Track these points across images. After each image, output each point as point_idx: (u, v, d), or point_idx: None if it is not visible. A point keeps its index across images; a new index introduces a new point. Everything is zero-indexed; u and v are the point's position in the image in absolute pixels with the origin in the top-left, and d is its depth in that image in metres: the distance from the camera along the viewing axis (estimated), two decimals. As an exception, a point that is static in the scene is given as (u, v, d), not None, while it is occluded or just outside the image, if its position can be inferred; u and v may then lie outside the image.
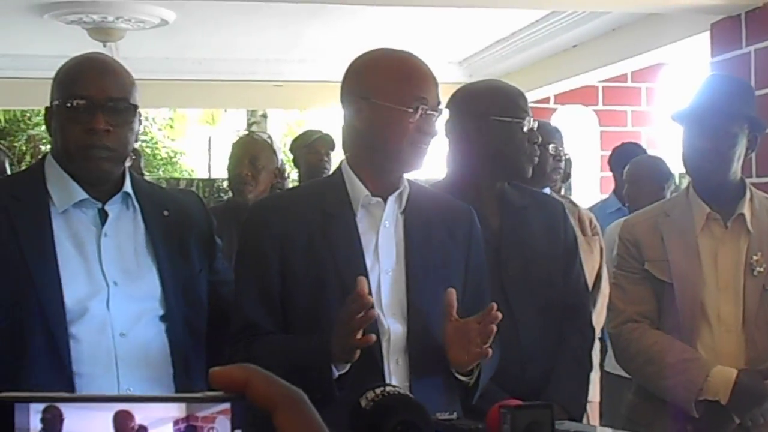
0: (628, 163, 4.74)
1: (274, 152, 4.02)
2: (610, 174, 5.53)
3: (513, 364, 2.43)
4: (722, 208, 2.76)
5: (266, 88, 8.01)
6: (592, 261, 3.70)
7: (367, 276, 2.06)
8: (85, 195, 2.15)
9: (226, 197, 7.15)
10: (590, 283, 3.57)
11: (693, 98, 2.78)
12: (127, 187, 2.21)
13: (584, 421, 2.91)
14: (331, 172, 3.14)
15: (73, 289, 2.08)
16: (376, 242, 2.16)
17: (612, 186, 5.35)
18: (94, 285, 2.11)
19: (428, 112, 2.13)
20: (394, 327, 2.11)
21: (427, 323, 2.11)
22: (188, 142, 19.09)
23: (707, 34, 4.89)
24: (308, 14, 5.96)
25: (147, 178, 4.88)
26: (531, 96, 6.73)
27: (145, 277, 2.18)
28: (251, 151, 3.96)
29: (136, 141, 2.32)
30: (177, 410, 0.62)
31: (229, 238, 3.29)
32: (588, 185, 7.68)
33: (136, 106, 2.17)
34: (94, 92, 2.11)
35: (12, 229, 2.09)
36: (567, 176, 4.47)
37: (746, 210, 2.74)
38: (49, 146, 2.34)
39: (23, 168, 4.05)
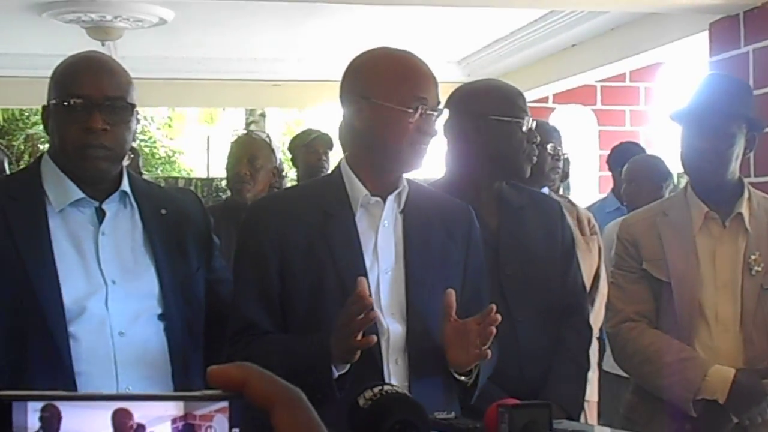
0: (627, 162, 4.75)
1: (273, 151, 4.02)
2: (608, 173, 5.53)
3: (511, 364, 2.43)
4: (720, 208, 2.76)
5: (265, 87, 8.01)
6: (591, 260, 3.70)
7: (366, 276, 2.06)
8: (81, 194, 2.15)
9: (224, 196, 7.15)
10: (589, 282, 3.57)
11: (691, 98, 2.78)
12: (125, 185, 2.21)
13: (582, 420, 2.92)
14: (329, 171, 3.14)
15: (72, 288, 2.08)
16: (375, 242, 2.16)
17: (610, 185, 5.35)
18: (93, 284, 2.11)
19: (428, 112, 2.13)
20: (393, 327, 2.11)
21: (426, 323, 2.11)
22: (186, 141, 19.08)
23: (706, 33, 4.89)
24: (307, 13, 5.96)
25: (145, 177, 4.88)
26: (529, 95, 6.73)
27: (143, 276, 2.18)
28: (250, 151, 3.96)
29: (134, 140, 2.32)
30: (175, 409, 0.62)
31: (228, 237, 3.29)
32: (586, 185, 7.68)
33: (133, 105, 2.17)
34: (91, 91, 2.11)
35: (8, 229, 2.09)
36: (565, 176, 4.47)
37: (744, 209, 2.74)
38: (47, 145, 2.33)
39: (22, 167, 4.05)
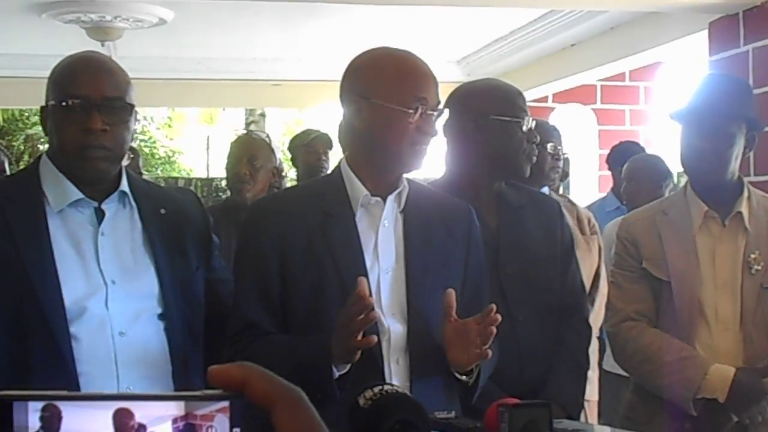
0: (626, 161, 4.75)
1: (272, 151, 4.02)
2: (608, 173, 5.53)
3: (511, 364, 2.43)
4: (720, 207, 2.76)
5: (264, 87, 8.01)
6: (591, 260, 3.70)
7: (366, 276, 2.06)
8: (80, 195, 2.15)
9: (224, 196, 7.15)
10: (589, 282, 3.57)
11: (691, 98, 2.78)
12: (124, 185, 2.21)
13: (582, 419, 2.92)
14: (329, 171, 3.14)
15: (72, 288, 2.08)
16: (375, 242, 2.16)
17: (610, 185, 5.36)
18: (92, 284, 2.11)
19: (428, 112, 2.13)
20: (394, 327, 2.11)
21: (427, 323, 2.11)
22: (186, 142, 19.08)
23: (705, 32, 4.90)
24: (306, 13, 5.96)
25: (145, 177, 4.88)
26: (529, 95, 6.74)
27: (143, 276, 2.18)
28: (249, 150, 3.96)
29: (133, 140, 2.32)
30: (176, 408, 0.62)
31: (227, 237, 3.30)
32: (586, 184, 7.68)
33: (132, 105, 2.17)
34: (90, 91, 2.10)
35: (8, 230, 2.09)
36: (565, 175, 4.47)
37: (744, 208, 2.74)
38: (47, 146, 2.33)
39: (22, 167, 4.05)
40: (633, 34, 5.85)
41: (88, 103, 2.10)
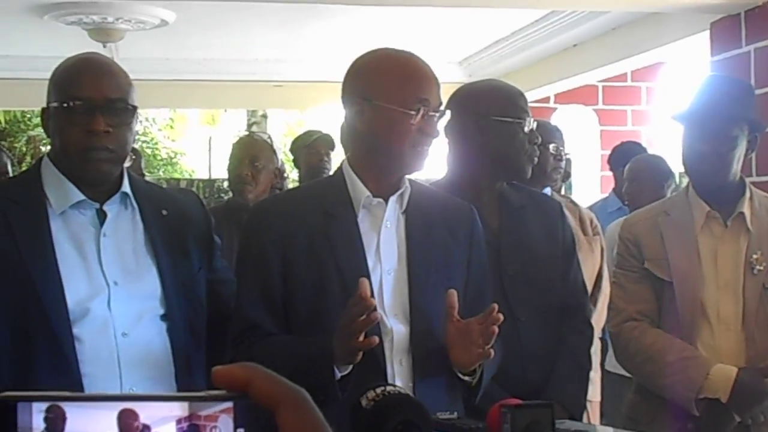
0: (628, 161, 4.75)
1: (274, 152, 4.02)
2: (610, 173, 5.53)
3: (514, 364, 2.43)
4: (722, 207, 2.76)
5: (266, 88, 8.01)
6: (593, 261, 3.70)
7: (368, 276, 2.06)
8: (82, 196, 2.15)
9: (226, 197, 7.15)
10: (591, 282, 3.57)
11: (693, 100, 2.78)
12: (125, 187, 2.21)
13: (585, 420, 2.92)
14: (331, 172, 3.14)
15: (74, 290, 2.08)
16: (377, 242, 2.16)
17: (612, 185, 5.35)
18: (95, 285, 2.11)
19: (430, 113, 2.13)
20: (396, 327, 2.11)
21: (429, 323, 2.11)
22: (188, 143, 19.07)
23: (707, 33, 4.89)
24: (308, 14, 5.96)
25: (147, 178, 4.88)
26: (531, 95, 6.73)
27: (145, 277, 2.18)
28: (251, 152, 3.96)
29: (135, 141, 2.32)
30: (180, 409, 0.62)
31: (229, 238, 3.30)
32: (588, 185, 7.68)
33: (135, 107, 2.17)
34: (93, 93, 2.11)
35: (10, 232, 2.09)
36: (567, 176, 4.47)
37: (746, 209, 2.74)
38: (49, 147, 2.33)
39: (24, 169, 4.05)
40: (635, 34, 5.85)
41: (91, 105, 2.10)
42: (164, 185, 8.64)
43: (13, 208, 2.13)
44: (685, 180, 2.99)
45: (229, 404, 0.63)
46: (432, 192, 2.37)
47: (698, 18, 4.91)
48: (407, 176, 2.22)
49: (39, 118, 2.28)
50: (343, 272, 2.10)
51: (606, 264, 3.74)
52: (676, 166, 4.25)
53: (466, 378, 2.10)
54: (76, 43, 4.54)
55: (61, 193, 2.15)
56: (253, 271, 2.18)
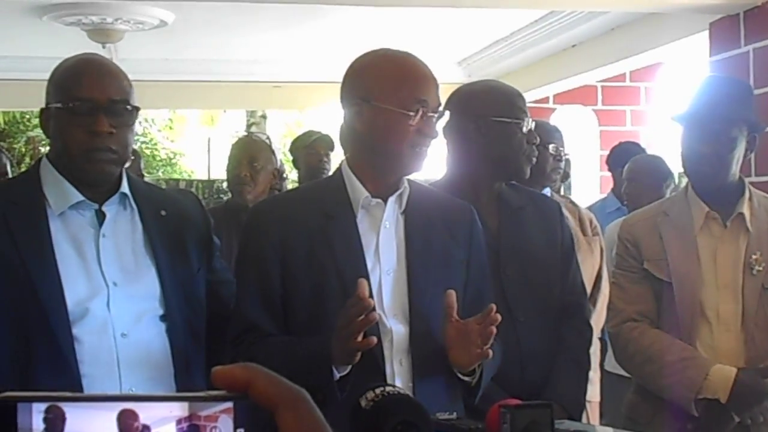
0: (627, 162, 4.75)
1: (273, 153, 4.02)
2: (609, 174, 5.53)
3: (513, 365, 2.43)
4: (721, 208, 2.76)
5: (265, 88, 8.01)
6: (593, 261, 3.70)
7: (367, 277, 2.06)
8: (81, 197, 2.15)
9: (225, 198, 7.15)
10: (591, 283, 3.57)
11: (692, 101, 2.78)
12: (124, 187, 2.21)
13: (584, 420, 2.92)
14: (330, 172, 3.14)
15: (74, 290, 2.08)
16: (376, 243, 2.16)
17: (611, 185, 5.36)
18: (94, 286, 2.11)
19: (429, 114, 2.13)
20: (396, 328, 2.11)
21: (429, 323, 2.11)
22: (187, 144, 19.07)
23: (706, 33, 4.90)
24: (307, 14, 5.96)
25: (146, 179, 4.88)
26: (530, 96, 6.74)
27: (145, 277, 2.18)
28: (249, 152, 3.96)
29: (134, 142, 2.32)
30: (180, 409, 0.62)
31: (228, 239, 3.30)
32: (587, 185, 7.68)
33: (137, 108, 2.18)
34: (96, 94, 2.11)
35: (10, 233, 2.09)
36: (566, 176, 4.47)
37: (745, 209, 2.75)
38: (49, 148, 2.33)
39: (23, 169, 4.04)
40: (634, 34, 5.86)
41: (94, 106, 2.10)
42: (163, 186, 8.64)
43: (12, 209, 2.13)
44: (684, 180, 3.00)
45: (229, 404, 0.63)
46: (431, 192, 2.37)
47: (697, 18, 4.91)
48: (406, 177, 2.22)
49: (38, 119, 2.28)
50: (342, 273, 2.10)
51: (605, 264, 3.74)
52: (675, 166, 4.25)
53: (466, 378, 2.10)
54: (76, 44, 4.54)
55: (60, 193, 2.15)
56: (252, 272, 2.18)
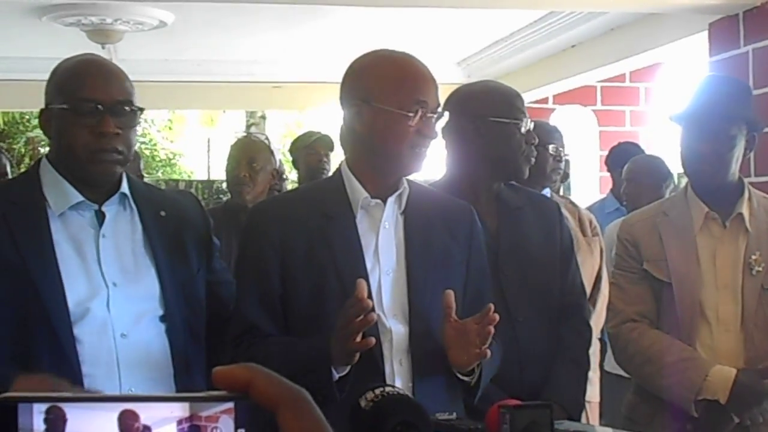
0: (626, 162, 4.75)
1: (272, 153, 4.02)
2: (608, 174, 5.53)
3: (512, 366, 2.43)
4: (721, 208, 2.76)
5: (265, 89, 8.01)
6: (593, 261, 3.70)
7: (367, 278, 2.06)
8: (81, 197, 2.15)
9: (225, 198, 7.15)
10: (590, 283, 3.57)
11: (690, 100, 2.78)
12: (124, 187, 2.21)
13: (584, 420, 2.92)
14: (331, 173, 3.14)
15: (74, 291, 2.08)
16: (376, 243, 2.16)
17: (611, 186, 5.36)
18: (94, 286, 2.11)
19: (428, 115, 2.13)
20: (396, 328, 2.11)
21: (428, 323, 2.11)
22: (187, 144, 19.06)
23: (705, 33, 4.90)
24: (306, 15, 5.96)
25: (146, 179, 4.88)
26: (529, 96, 6.74)
27: (144, 278, 2.18)
28: (248, 153, 3.96)
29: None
30: (180, 410, 0.62)
31: (228, 239, 3.30)
32: (587, 185, 7.68)
33: (141, 109, 2.18)
34: (101, 95, 2.11)
35: (10, 234, 2.09)
36: (565, 176, 4.47)
37: (745, 209, 2.75)
38: (48, 148, 2.33)
39: (22, 170, 4.04)
40: (633, 35, 5.85)
41: (101, 107, 2.10)
42: (163, 186, 8.64)
43: (12, 210, 2.13)
44: (684, 181, 3.00)
45: (230, 405, 0.63)
46: (431, 192, 2.37)
47: (697, 18, 4.91)
48: (406, 177, 2.22)
49: (37, 120, 2.28)
50: (341, 273, 2.11)
51: (605, 265, 3.74)
52: (675, 167, 4.25)
53: (465, 378, 2.11)
54: (75, 45, 4.54)
55: (60, 194, 2.15)
56: (252, 273, 2.18)
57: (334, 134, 4.26)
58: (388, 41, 2.38)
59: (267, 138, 4.21)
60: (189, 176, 17.44)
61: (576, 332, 2.66)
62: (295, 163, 5.21)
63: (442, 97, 2.26)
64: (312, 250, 2.14)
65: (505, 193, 2.67)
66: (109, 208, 2.19)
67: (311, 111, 11.22)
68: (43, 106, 2.20)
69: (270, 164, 3.99)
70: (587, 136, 7.74)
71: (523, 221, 2.65)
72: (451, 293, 2.04)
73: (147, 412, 0.61)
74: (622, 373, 3.20)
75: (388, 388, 1.65)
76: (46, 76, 2.21)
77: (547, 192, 3.66)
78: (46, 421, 0.61)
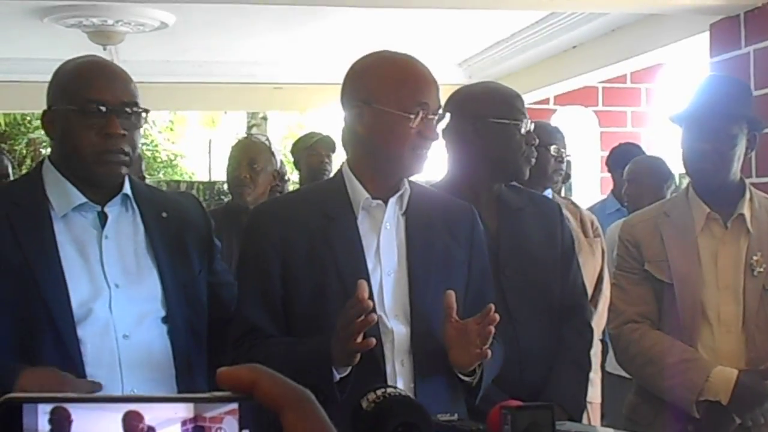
0: (627, 163, 4.75)
1: (273, 154, 4.02)
2: (609, 175, 5.53)
3: (512, 367, 2.43)
4: (722, 209, 2.76)
5: (266, 90, 8.01)
6: (594, 262, 3.70)
7: (368, 278, 2.06)
8: (83, 198, 2.16)
9: (226, 200, 7.15)
10: (592, 284, 3.57)
11: (691, 100, 2.78)
12: (126, 189, 2.22)
13: (585, 421, 2.92)
14: (332, 173, 3.14)
15: (77, 292, 2.09)
16: (377, 244, 2.16)
17: (611, 187, 5.36)
18: (97, 287, 2.12)
19: (429, 116, 2.14)
20: (397, 328, 2.12)
21: (430, 324, 2.12)
22: (188, 145, 19.08)
23: (706, 34, 4.90)
24: (307, 16, 5.96)
25: (147, 180, 4.89)
26: (531, 97, 6.75)
27: (146, 279, 2.18)
28: (249, 154, 3.97)
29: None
30: (185, 411, 0.62)
31: (229, 240, 3.30)
32: (588, 186, 7.68)
33: (146, 111, 2.19)
34: (108, 97, 2.12)
35: (14, 235, 2.09)
36: (567, 177, 4.46)
37: (746, 210, 2.75)
38: (50, 149, 2.33)
39: (24, 171, 4.05)
40: (634, 35, 5.86)
41: (107, 109, 2.10)
42: (164, 187, 8.65)
43: (15, 211, 2.13)
44: (685, 181, 3.00)
45: (234, 405, 0.63)
46: (432, 193, 2.37)
47: (698, 19, 4.91)
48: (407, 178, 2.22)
49: (39, 121, 2.28)
50: (342, 274, 2.11)
51: (606, 266, 3.74)
52: (676, 167, 4.25)
53: (466, 378, 2.11)
54: (76, 46, 4.55)
55: (63, 195, 2.15)
56: (253, 274, 2.19)
57: (336, 135, 4.26)
58: (389, 42, 2.38)
59: (268, 139, 4.21)
60: (190, 177, 17.44)
61: (577, 333, 2.66)
62: (296, 164, 5.22)
63: (443, 98, 2.26)
64: (313, 251, 2.14)
65: (506, 194, 2.67)
66: (112, 209, 2.19)
67: (312, 112, 11.23)
68: (44, 107, 2.20)
69: (271, 165, 3.99)
70: (588, 136, 7.74)
71: (523, 222, 2.65)
72: (452, 293, 2.04)
73: (151, 413, 0.61)
74: (623, 374, 3.20)
75: (389, 389, 1.65)
76: (48, 78, 2.21)
77: (548, 193, 3.66)
78: (50, 421, 0.61)
